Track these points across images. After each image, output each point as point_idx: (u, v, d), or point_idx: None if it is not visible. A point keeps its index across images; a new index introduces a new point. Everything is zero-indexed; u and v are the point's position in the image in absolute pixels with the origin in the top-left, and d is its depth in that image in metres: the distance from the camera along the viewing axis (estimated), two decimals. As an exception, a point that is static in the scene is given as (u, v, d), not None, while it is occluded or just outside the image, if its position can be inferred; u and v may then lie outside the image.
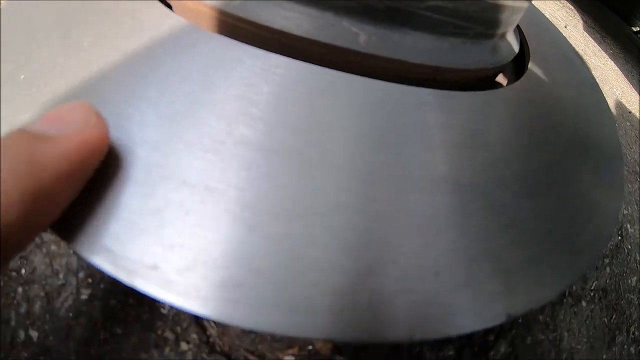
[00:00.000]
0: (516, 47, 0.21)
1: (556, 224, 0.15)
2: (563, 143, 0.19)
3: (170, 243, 0.10)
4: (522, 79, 0.19)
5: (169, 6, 0.16)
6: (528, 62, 0.21)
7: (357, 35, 0.14)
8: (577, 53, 0.29)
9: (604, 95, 0.26)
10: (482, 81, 0.19)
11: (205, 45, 0.13)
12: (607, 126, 0.24)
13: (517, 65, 0.22)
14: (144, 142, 0.11)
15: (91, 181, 0.10)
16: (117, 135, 0.11)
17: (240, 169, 0.11)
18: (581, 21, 0.61)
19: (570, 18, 0.59)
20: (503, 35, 0.19)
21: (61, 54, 0.14)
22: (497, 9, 0.16)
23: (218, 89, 0.12)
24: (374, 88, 0.13)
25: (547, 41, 0.26)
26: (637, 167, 0.36)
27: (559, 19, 0.55)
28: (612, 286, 0.26)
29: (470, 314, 0.11)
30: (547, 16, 0.43)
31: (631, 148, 0.38)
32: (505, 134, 0.15)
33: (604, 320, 0.25)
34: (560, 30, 0.37)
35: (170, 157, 0.11)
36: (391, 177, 0.11)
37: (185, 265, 0.10)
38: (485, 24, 0.16)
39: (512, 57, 0.20)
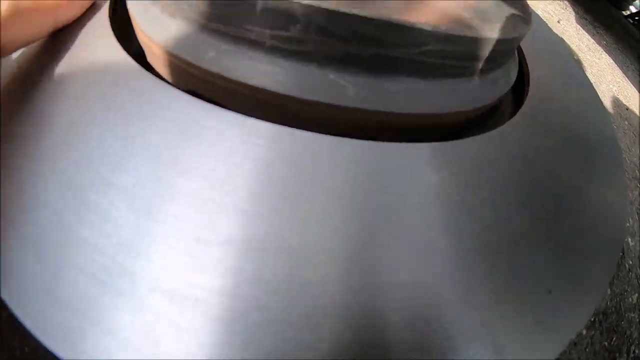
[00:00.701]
0: (516, 70, 0.19)
1: (558, 278, 0.14)
2: (570, 175, 0.18)
3: None
4: (524, 107, 0.18)
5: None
6: (527, 77, 0.20)
7: (345, 88, 0.12)
8: (572, 56, 0.28)
9: (602, 93, 0.25)
10: (485, 114, 0.17)
11: (174, 113, 0.11)
12: (609, 139, 0.23)
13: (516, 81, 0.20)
14: (121, 245, 0.10)
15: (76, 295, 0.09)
16: (86, 234, 0.10)
17: (216, 275, 0.09)
18: (573, 13, 0.60)
19: (563, 11, 0.58)
20: (504, 65, 0.17)
21: None
22: (499, 42, 0.14)
23: (192, 172, 0.10)
24: (366, 153, 0.12)
25: (544, 54, 0.24)
26: (637, 172, 0.34)
27: (552, 13, 0.53)
28: (613, 308, 0.25)
29: None
30: (540, 12, 0.42)
31: (630, 150, 0.37)
32: (507, 182, 0.14)
33: (604, 344, 0.24)
34: (554, 27, 0.35)
35: (150, 264, 0.09)
36: (391, 269, 0.10)
37: None
38: (486, 59, 0.15)
39: (513, 82, 0.18)
